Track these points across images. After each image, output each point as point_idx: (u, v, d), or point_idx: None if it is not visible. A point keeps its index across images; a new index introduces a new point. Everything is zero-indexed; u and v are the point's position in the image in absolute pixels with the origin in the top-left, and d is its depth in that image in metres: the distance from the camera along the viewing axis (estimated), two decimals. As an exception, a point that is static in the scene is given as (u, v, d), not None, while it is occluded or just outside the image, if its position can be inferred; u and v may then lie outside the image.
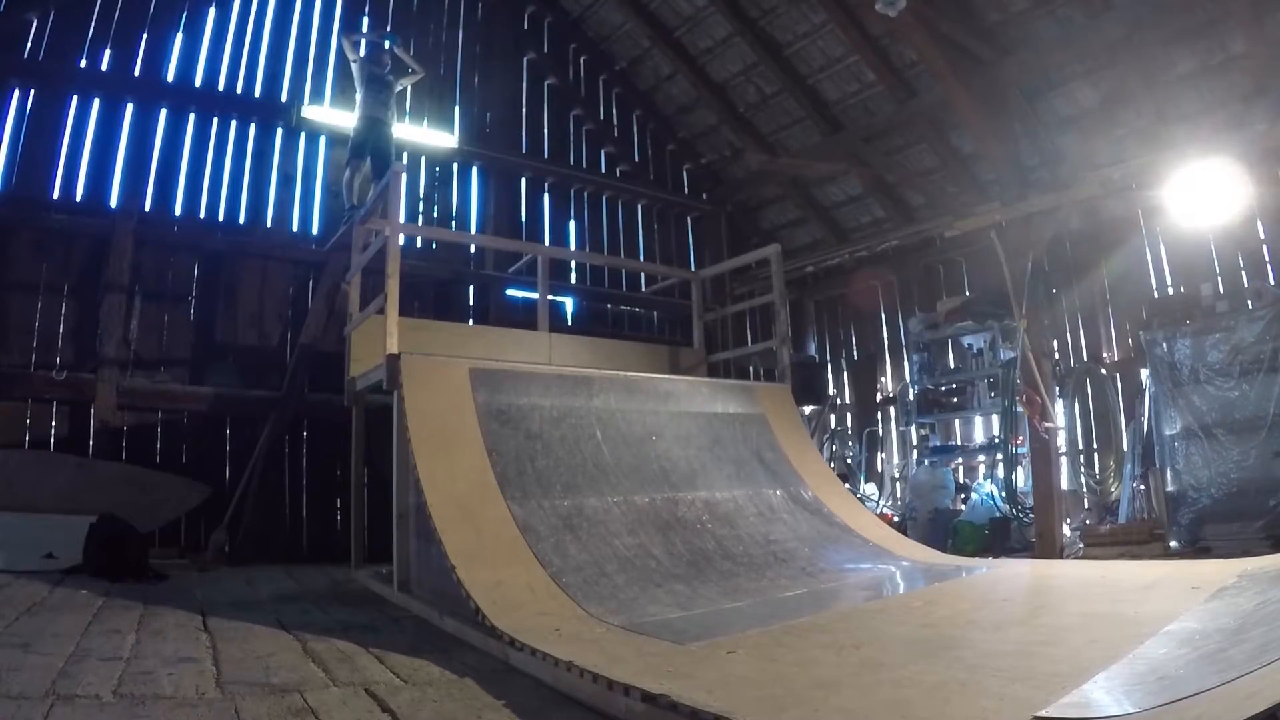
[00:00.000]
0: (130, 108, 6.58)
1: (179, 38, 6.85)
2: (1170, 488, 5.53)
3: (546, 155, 8.84)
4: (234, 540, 5.94)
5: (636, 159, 9.48)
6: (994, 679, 2.16)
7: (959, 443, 7.96)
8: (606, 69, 9.32)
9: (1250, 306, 5.63)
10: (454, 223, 8.14)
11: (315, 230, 7.23)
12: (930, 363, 7.85)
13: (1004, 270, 6.27)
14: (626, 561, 3.86)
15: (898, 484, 8.42)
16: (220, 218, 6.86)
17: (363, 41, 6.72)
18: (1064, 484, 6.50)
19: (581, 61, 9.26)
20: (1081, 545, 5.79)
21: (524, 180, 8.62)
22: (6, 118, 6.06)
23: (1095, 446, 7.00)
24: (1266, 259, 6.26)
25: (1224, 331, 5.47)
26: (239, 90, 7.08)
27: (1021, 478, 6.70)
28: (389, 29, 7.50)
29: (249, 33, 7.20)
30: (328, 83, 7.41)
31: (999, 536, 6.37)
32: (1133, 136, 6.37)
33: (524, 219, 8.53)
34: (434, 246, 7.76)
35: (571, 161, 9.01)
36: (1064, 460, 6.67)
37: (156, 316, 6.37)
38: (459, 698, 2.40)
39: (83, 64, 6.38)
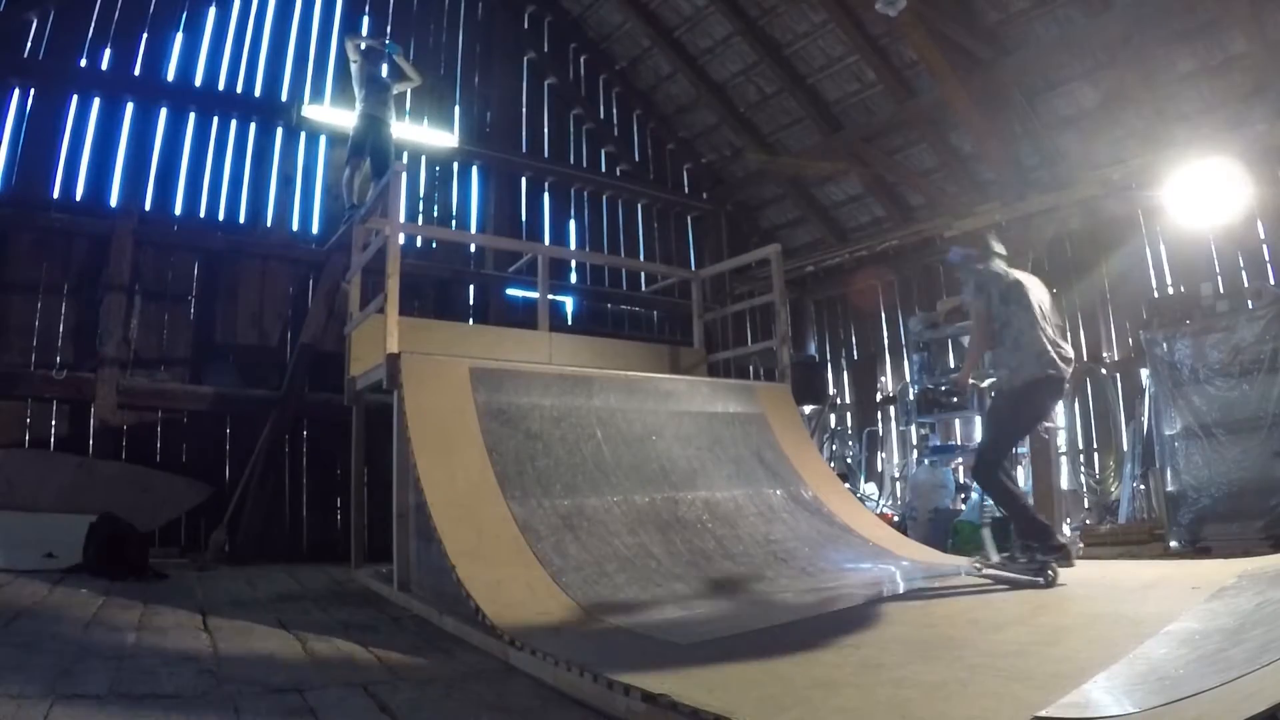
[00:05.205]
0: (130, 107, 6.58)
1: (179, 37, 6.85)
2: (1170, 488, 5.52)
3: (546, 155, 8.83)
4: (234, 540, 5.94)
5: (636, 158, 9.48)
6: (994, 679, 2.16)
7: (959, 442, 7.95)
8: (606, 69, 9.31)
9: (1250, 306, 5.62)
10: (454, 222, 8.14)
11: (315, 230, 7.23)
12: (930, 362, 7.84)
13: (1004, 270, 6.26)
14: (627, 561, 3.86)
15: (898, 484, 8.41)
16: (220, 217, 6.86)
17: (364, 44, 6.73)
18: (1064, 484, 6.50)
19: (581, 61, 9.26)
20: (1081, 545, 5.78)
21: (524, 180, 8.62)
22: (6, 117, 6.06)
23: (1095, 446, 7.00)
24: (1266, 259, 6.26)
25: (1224, 331, 5.46)
26: (239, 90, 7.07)
27: (1021, 477, 6.69)
28: (389, 38, 7.49)
29: (249, 32, 7.19)
30: (328, 82, 7.41)
31: (999, 536, 6.35)
32: (1133, 136, 6.36)
33: (524, 218, 8.52)
34: (434, 246, 7.76)
35: (571, 161, 9.00)
36: (1064, 460, 6.67)
37: (156, 316, 6.37)
38: (459, 697, 2.40)
39: (83, 64, 6.38)
